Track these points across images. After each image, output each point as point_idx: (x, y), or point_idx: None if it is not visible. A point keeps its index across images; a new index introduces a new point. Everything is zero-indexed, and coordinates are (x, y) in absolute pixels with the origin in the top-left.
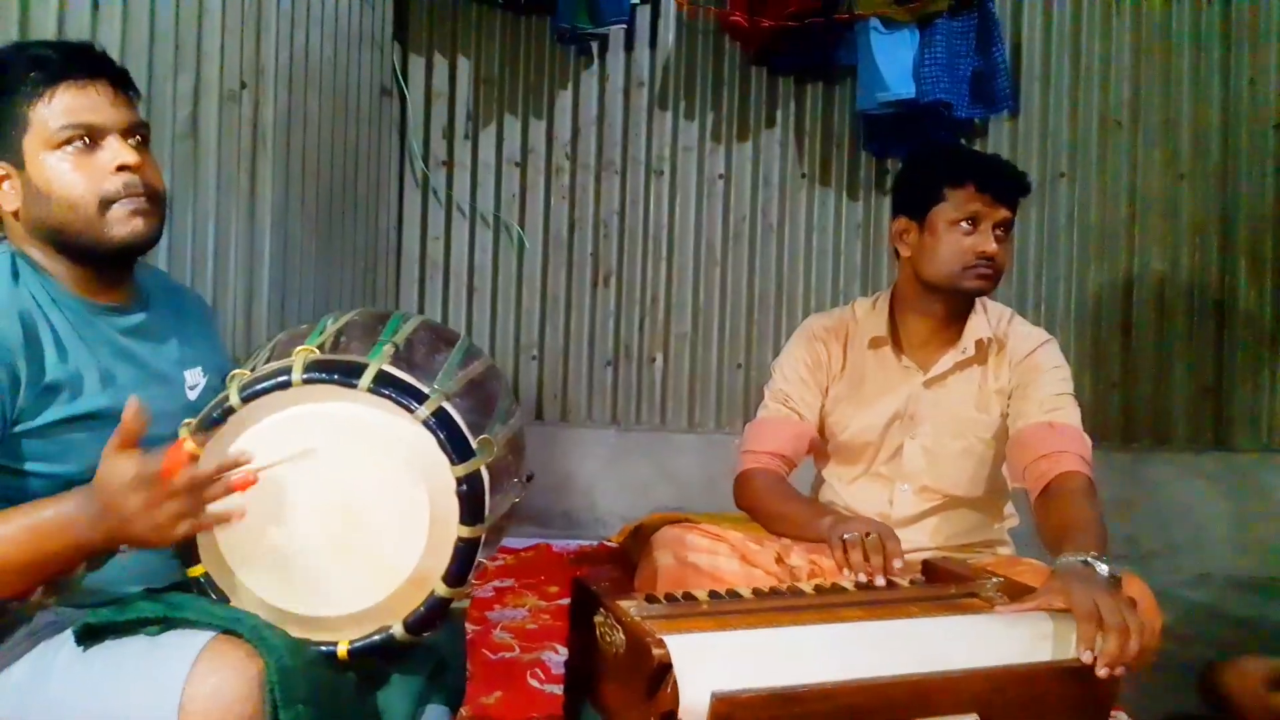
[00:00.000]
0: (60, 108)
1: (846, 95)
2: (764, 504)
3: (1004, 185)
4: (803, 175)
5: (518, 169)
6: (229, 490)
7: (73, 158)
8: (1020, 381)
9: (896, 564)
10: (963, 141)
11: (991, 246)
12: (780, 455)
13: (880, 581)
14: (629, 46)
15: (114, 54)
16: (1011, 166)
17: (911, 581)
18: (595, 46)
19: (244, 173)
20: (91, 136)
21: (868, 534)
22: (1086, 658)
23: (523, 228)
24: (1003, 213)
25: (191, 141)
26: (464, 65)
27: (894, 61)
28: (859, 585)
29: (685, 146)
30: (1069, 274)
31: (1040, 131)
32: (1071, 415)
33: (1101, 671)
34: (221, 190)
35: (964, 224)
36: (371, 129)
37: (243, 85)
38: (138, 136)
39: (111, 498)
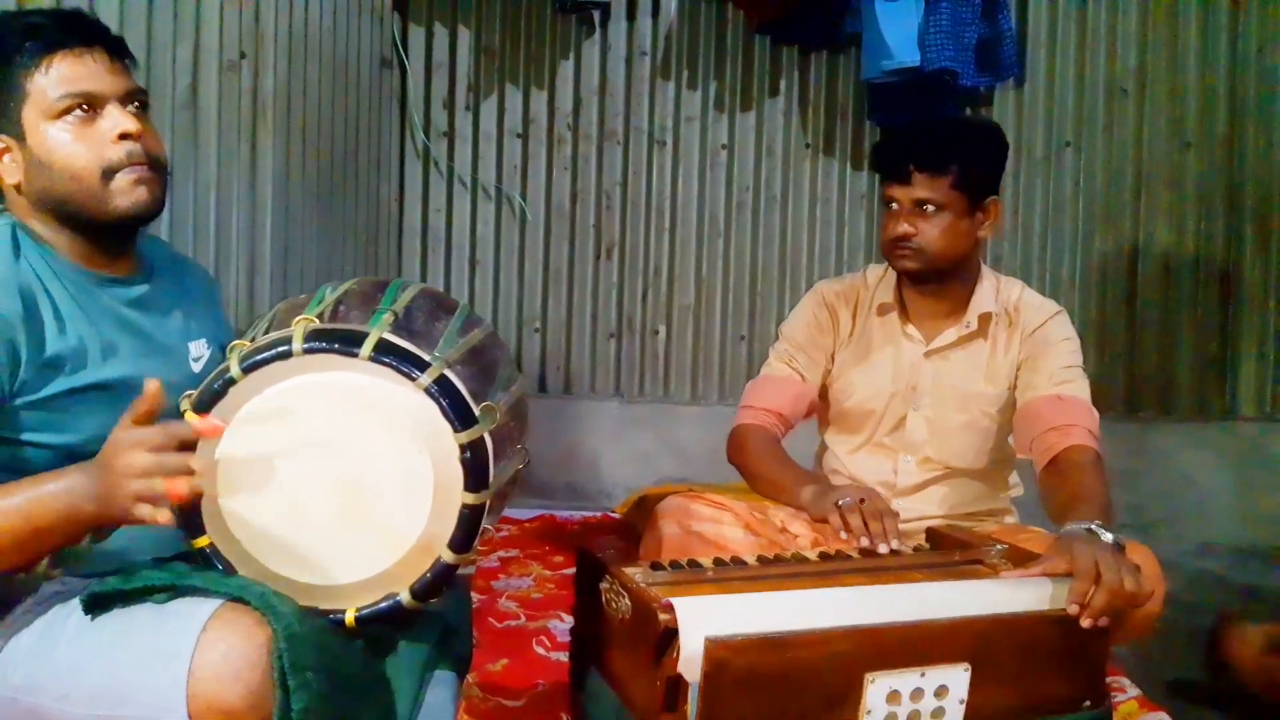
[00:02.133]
0: (57, 77)
1: (851, 64)
2: (751, 462)
3: (899, 167)
4: (807, 145)
5: (519, 140)
6: (194, 436)
7: (73, 127)
8: (1030, 353)
9: (893, 541)
10: (969, 110)
11: (899, 229)
12: (778, 413)
13: (884, 549)
14: (631, 15)
15: (112, 23)
16: (929, 139)
17: (916, 548)
18: (597, 16)
19: (244, 143)
20: (91, 105)
21: (862, 500)
22: (1073, 610)
23: (524, 199)
24: (914, 193)
25: (191, 112)
26: (464, 35)
27: (899, 29)
28: (863, 551)
29: (688, 117)
30: (1074, 243)
31: (1046, 100)
32: (1081, 389)
33: (1085, 622)
34: (222, 161)
35: (892, 205)
36: (372, 100)
37: (242, 55)
38: (137, 104)
39: (98, 469)
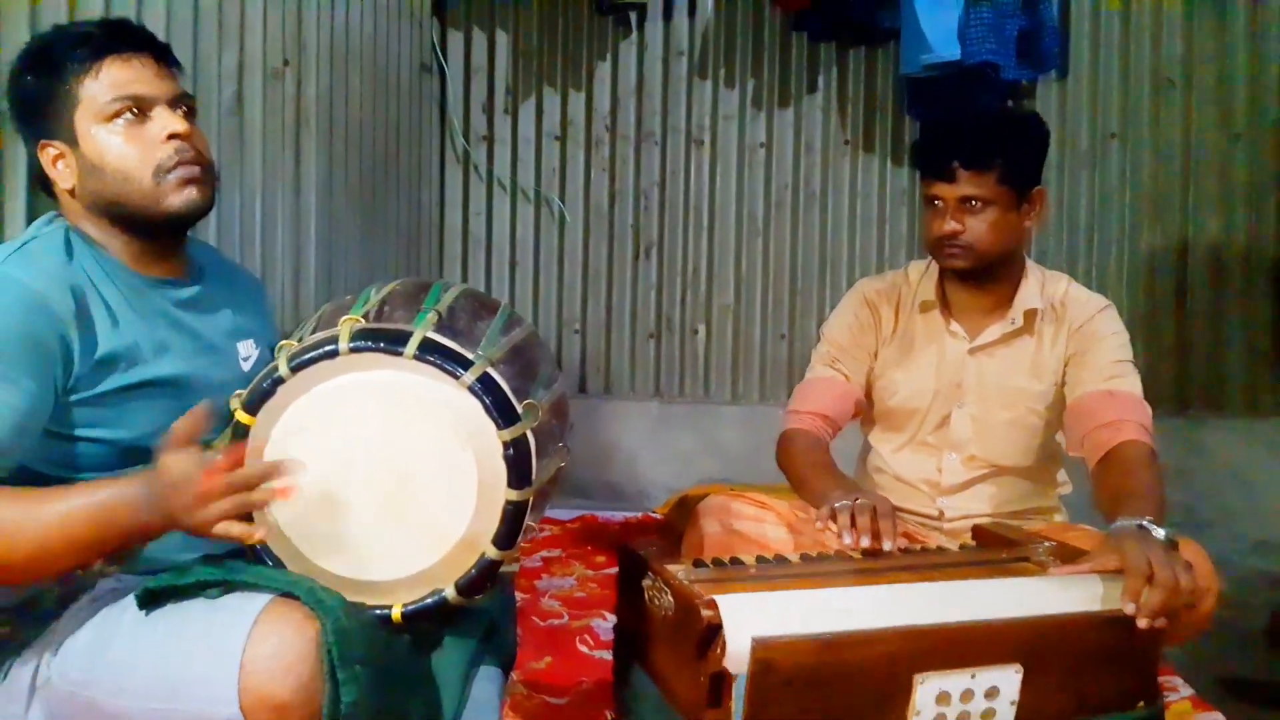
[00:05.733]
0: (108, 81)
1: (890, 59)
2: (794, 468)
3: (943, 164)
4: (845, 142)
5: (557, 142)
6: (271, 497)
7: (124, 130)
8: (1078, 348)
9: (886, 544)
10: (1010, 104)
11: (947, 227)
12: (824, 416)
13: (865, 542)
14: (667, 15)
15: (158, 33)
16: (972, 135)
17: (962, 546)
18: (634, 16)
19: (289, 149)
20: (140, 108)
21: (857, 499)
22: (1129, 609)
23: (563, 201)
24: (960, 190)
25: (237, 119)
26: (502, 39)
27: (938, 22)
28: (865, 551)
29: (725, 115)
30: (1121, 237)
31: (1090, 92)
32: (1132, 383)
33: (1141, 622)
34: (267, 167)
35: (936, 202)
36: (412, 105)
37: (285, 62)
38: (184, 108)
39: (165, 491)
